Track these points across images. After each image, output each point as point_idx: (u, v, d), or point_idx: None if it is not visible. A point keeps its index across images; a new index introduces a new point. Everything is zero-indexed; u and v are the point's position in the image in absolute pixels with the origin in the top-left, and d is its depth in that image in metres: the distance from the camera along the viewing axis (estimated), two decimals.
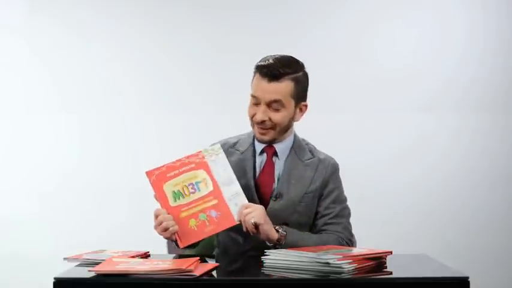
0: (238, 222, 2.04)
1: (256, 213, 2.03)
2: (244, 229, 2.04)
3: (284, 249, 1.92)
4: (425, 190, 3.67)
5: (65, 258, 1.97)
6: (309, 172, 2.22)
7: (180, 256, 2.02)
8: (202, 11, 3.70)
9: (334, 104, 3.67)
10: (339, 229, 2.20)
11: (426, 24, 3.70)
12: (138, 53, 3.70)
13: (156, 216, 2.02)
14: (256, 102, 2.15)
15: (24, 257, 3.58)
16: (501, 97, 3.69)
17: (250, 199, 2.09)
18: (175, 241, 2.03)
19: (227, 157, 2.09)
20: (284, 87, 2.14)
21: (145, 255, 2.04)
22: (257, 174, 2.20)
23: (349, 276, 1.71)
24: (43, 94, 3.69)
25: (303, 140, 2.30)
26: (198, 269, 1.76)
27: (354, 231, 2.34)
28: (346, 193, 2.30)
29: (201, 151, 2.08)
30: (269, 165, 2.22)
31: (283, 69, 2.14)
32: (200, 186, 2.04)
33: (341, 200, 2.26)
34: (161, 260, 1.91)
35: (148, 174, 2.04)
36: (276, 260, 1.85)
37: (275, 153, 2.22)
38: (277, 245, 2.04)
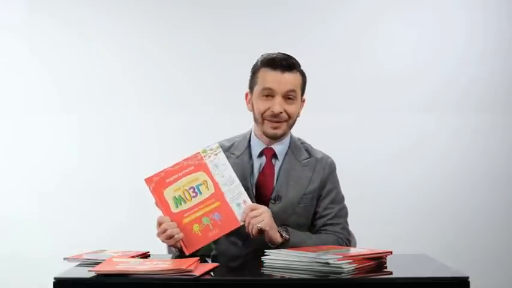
0: (242, 224, 2.02)
1: (262, 218, 2.01)
2: (248, 231, 2.02)
3: (284, 249, 1.92)
4: (425, 190, 3.67)
5: (65, 258, 1.98)
6: (307, 172, 2.22)
7: (180, 256, 2.02)
8: (202, 11, 3.70)
9: (334, 104, 3.67)
10: (338, 229, 2.21)
11: (426, 24, 3.70)
12: (138, 53, 3.70)
13: (160, 224, 2.00)
14: (269, 94, 2.15)
15: (24, 257, 3.58)
16: (501, 97, 3.69)
17: None
18: (180, 248, 2.01)
19: None
20: (297, 78, 2.18)
21: (145, 255, 2.04)
22: (255, 177, 2.19)
23: (349, 276, 1.72)
24: (43, 94, 3.69)
25: (299, 139, 2.30)
26: (198, 269, 1.76)
27: (354, 231, 2.35)
28: (346, 193, 2.31)
29: (199, 152, 2.06)
30: (269, 168, 2.21)
31: (292, 60, 2.18)
32: (201, 189, 2.03)
33: (339, 199, 2.27)
34: (161, 260, 1.91)
35: (148, 181, 2.02)
36: (276, 260, 1.85)
37: (274, 155, 2.22)
38: (279, 247, 2.04)
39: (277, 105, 2.14)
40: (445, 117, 3.68)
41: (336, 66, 3.67)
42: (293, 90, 2.15)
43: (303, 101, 2.23)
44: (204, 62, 3.67)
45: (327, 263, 1.72)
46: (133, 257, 1.95)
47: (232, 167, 2.07)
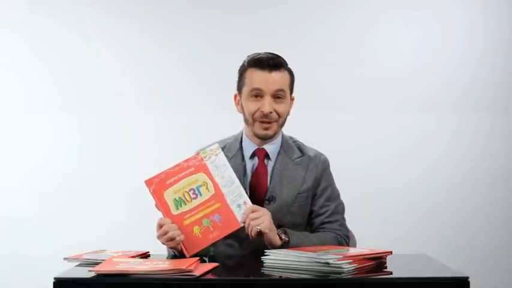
0: (242, 225, 2.01)
1: (262, 221, 2.00)
2: (247, 232, 2.01)
3: (284, 249, 1.92)
4: (425, 190, 3.67)
5: (65, 258, 1.98)
6: (300, 171, 2.21)
7: (180, 256, 2.02)
8: (202, 11, 3.70)
9: (334, 104, 3.67)
10: (336, 226, 2.21)
11: (426, 24, 3.70)
12: (138, 53, 3.70)
13: (160, 226, 1.99)
14: (258, 95, 2.14)
15: (24, 257, 3.58)
16: (501, 97, 3.69)
17: None
18: (180, 250, 2.00)
19: None
20: (285, 76, 2.18)
21: (145, 255, 2.04)
22: (249, 178, 2.18)
23: (349, 276, 1.72)
24: (43, 94, 3.69)
25: (291, 137, 2.29)
26: (198, 269, 1.76)
27: (354, 231, 2.35)
28: (346, 193, 2.31)
29: (199, 153, 2.06)
30: (262, 168, 2.20)
31: (279, 59, 2.18)
32: (201, 191, 2.02)
33: (335, 196, 2.26)
34: (161, 260, 1.92)
35: (148, 183, 2.01)
36: (275, 260, 1.85)
37: (266, 155, 2.22)
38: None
39: (267, 105, 2.13)
40: (445, 117, 3.68)
41: (336, 66, 3.67)
42: (282, 90, 2.15)
43: (292, 99, 2.22)
44: (204, 62, 3.67)
45: (327, 263, 1.72)
46: (133, 257, 1.95)
47: None
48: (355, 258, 1.76)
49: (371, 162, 3.65)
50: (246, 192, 2.09)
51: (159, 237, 2.00)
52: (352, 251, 1.91)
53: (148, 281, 1.70)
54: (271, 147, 2.22)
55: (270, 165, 2.22)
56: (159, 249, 2.11)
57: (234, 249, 2.17)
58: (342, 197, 2.30)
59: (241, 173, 2.17)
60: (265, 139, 2.20)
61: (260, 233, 2.00)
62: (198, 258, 1.90)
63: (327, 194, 2.24)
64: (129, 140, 3.69)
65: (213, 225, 2.01)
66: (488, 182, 3.67)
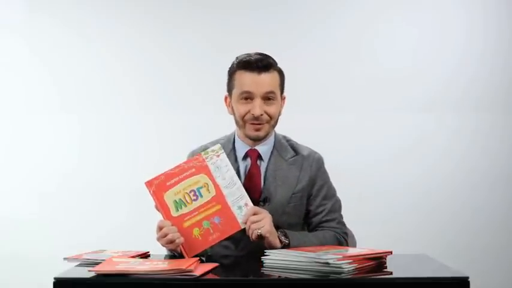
0: (243, 227, 2.01)
1: (263, 224, 1.99)
2: (248, 234, 2.01)
3: (284, 250, 1.92)
4: (425, 190, 3.67)
5: (65, 258, 1.98)
6: (294, 171, 2.21)
7: (179, 256, 2.02)
8: (202, 11, 3.69)
9: (334, 104, 3.67)
10: (334, 225, 2.21)
11: (426, 24, 3.70)
12: (138, 53, 3.69)
13: (160, 228, 1.98)
14: (248, 97, 2.13)
15: (24, 257, 3.58)
16: (501, 97, 3.69)
17: None
18: (180, 253, 2.00)
19: None
20: (274, 77, 2.16)
21: (145, 255, 2.04)
22: (242, 180, 2.16)
23: (349, 276, 1.71)
24: (43, 94, 3.69)
25: (284, 137, 2.28)
26: (198, 269, 1.76)
27: (354, 231, 2.35)
28: (345, 193, 2.30)
29: (200, 154, 2.05)
30: (255, 169, 2.19)
31: (268, 60, 2.15)
32: (202, 192, 2.01)
33: (331, 194, 2.25)
34: (161, 260, 1.92)
35: (148, 184, 2.00)
36: (275, 260, 1.85)
37: (259, 156, 2.21)
38: None
39: (257, 107, 2.12)
40: (445, 117, 3.68)
41: (336, 66, 3.67)
42: (272, 92, 2.13)
43: (283, 98, 2.21)
44: (204, 62, 3.67)
45: (327, 263, 1.72)
46: (133, 257, 1.95)
47: None
48: (355, 258, 1.76)
49: (371, 162, 3.65)
50: None
51: (158, 239, 2.00)
52: (352, 251, 1.91)
53: (148, 281, 1.70)
54: (264, 148, 2.21)
55: (263, 166, 2.21)
56: (159, 249, 2.11)
57: (230, 250, 2.17)
58: (342, 197, 2.30)
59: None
60: (257, 140, 2.20)
61: (261, 237, 2.00)
62: (198, 258, 1.90)
63: (323, 192, 2.23)
64: (129, 140, 3.69)
65: (213, 227, 2.00)
66: (488, 182, 3.67)
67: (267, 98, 2.13)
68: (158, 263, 1.80)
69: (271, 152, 2.22)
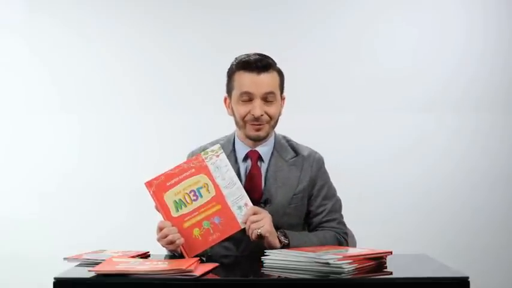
0: (243, 227, 2.01)
1: (263, 224, 1.99)
2: (247, 234, 2.01)
3: (284, 250, 1.92)
4: (425, 190, 3.67)
5: (65, 258, 1.98)
6: (295, 172, 2.20)
7: (179, 256, 2.02)
8: (202, 11, 3.69)
9: (334, 104, 3.67)
10: (334, 225, 2.21)
11: (426, 24, 3.70)
12: (138, 53, 3.69)
13: (160, 229, 1.98)
14: (248, 98, 2.12)
15: (24, 257, 3.58)
16: (501, 97, 3.69)
17: None
18: (180, 253, 2.00)
19: None
20: (274, 78, 2.15)
21: (145, 255, 2.04)
22: (243, 181, 2.16)
23: (349, 276, 1.71)
24: (43, 94, 3.69)
25: (284, 137, 2.28)
26: (198, 269, 1.76)
27: (354, 231, 2.36)
28: (345, 193, 2.31)
29: (200, 154, 2.05)
30: (256, 170, 2.19)
31: (268, 60, 2.15)
32: (202, 192, 2.01)
33: (331, 194, 2.25)
34: (161, 260, 1.92)
35: (148, 185, 2.00)
36: (275, 260, 1.85)
37: (260, 158, 2.21)
38: None
39: (257, 108, 2.11)
40: (445, 117, 3.68)
41: (336, 66, 3.67)
42: (271, 92, 2.13)
43: (283, 98, 2.21)
44: (204, 62, 3.67)
45: (327, 263, 1.72)
46: (133, 257, 1.95)
47: None
48: (355, 258, 1.76)
49: (371, 162, 3.65)
50: None
51: (159, 240, 2.00)
52: (352, 251, 1.91)
53: (148, 281, 1.70)
54: (264, 149, 2.21)
55: (263, 167, 2.20)
56: (159, 250, 2.11)
57: (232, 251, 2.17)
58: (342, 197, 2.30)
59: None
60: (257, 140, 2.19)
61: (260, 236, 2.00)
62: (198, 258, 1.90)
63: (323, 192, 2.23)
64: (129, 140, 3.69)
65: (213, 227, 2.00)
66: (488, 182, 3.67)
67: (267, 98, 2.13)
68: (158, 263, 1.80)
69: (272, 153, 2.22)
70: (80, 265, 1.91)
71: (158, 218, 2.04)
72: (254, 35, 3.62)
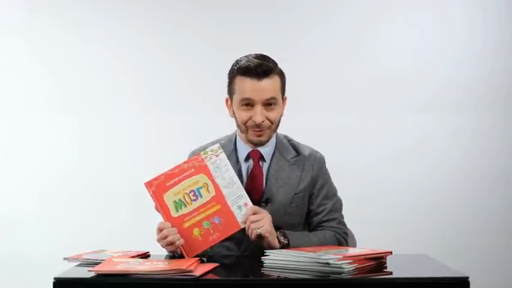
0: (243, 226, 2.01)
1: (263, 224, 1.99)
2: (247, 234, 2.01)
3: (284, 250, 1.92)
4: (425, 190, 3.67)
5: (65, 258, 1.98)
6: (296, 171, 2.20)
7: (179, 257, 2.02)
8: (202, 11, 3.69)
9: (334, 104, 3.67)
10: (334, 224, 2.21)
11: (426, 24, 3.70)
12: (138, 53, 3.69)
13: (160, 230, 1.98)
14: (249, 104, 2.11)
15: (24, 257, 3.58)
16: (501, 97, 3.69)
17: None
18: (181, 254, 2.00)
19: None
20: (275, 82, 2.13)
21: (145, 255, 2.04)
22: (244, 180, 2.16)
23: (349, 276, 1.71)
24: (43, 94, 3.69)
25: (285, 136, 2.28)
26: (198, 269, 1.76)
27: (354, 231, 2.35)
28: (346, 193, 2.30)
29: (200, 154, 2.05)
30: (257, 170, 2.19)
31: (268, 64, 2.12)
32: (202, 192, 2.00)
33: (332, 194, 2.25)
34: (161, 260, 1.92)
35: (148, 185, 2.00)
36: (275, 260, 1.85)
37: (261, 157, 2.20)
38: None
39: (259, 114, 2.10)
40: (445, 117, 3.68)
41: (336, 66, 3.67)
42: (273, 97, 2.11)
43: (284, 99, 2.20)
44: (204, 62, 3.67)
45: (327, 263, 1.72)
46: (133, 257, 1.95)
47: None
48: (355, 258, 1.76)
49: (371, 162, 3.65)
50: None
51: (158, 240, 2.00)
52: (352, 251, 1.91)
53: (148, 281, 1.70)
54: (266, 149, 2.21)
55: (265, 166, 2.20)
56: (159, 250, 2.11)
57: (233, 251, 2.17)
58: (343, 198, 2.30)
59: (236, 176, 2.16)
60: (259, 145, 2.19)
61: (260, 236, 2.00)
62: (198, 258, 1.90)
63: (324, 192, 2.23)
64: (129, 140, 3.69)
65: (213, 227, 2.00)
66: (488, 182, 3.67)
67: (268, 103, 2.11)
68: (158, 263, 1.80)
69: (273, 153, 2.22)
70: (80, 265, 1.91)
71: (158, 218, 2.04)
72: (254, 35, 3.62)
